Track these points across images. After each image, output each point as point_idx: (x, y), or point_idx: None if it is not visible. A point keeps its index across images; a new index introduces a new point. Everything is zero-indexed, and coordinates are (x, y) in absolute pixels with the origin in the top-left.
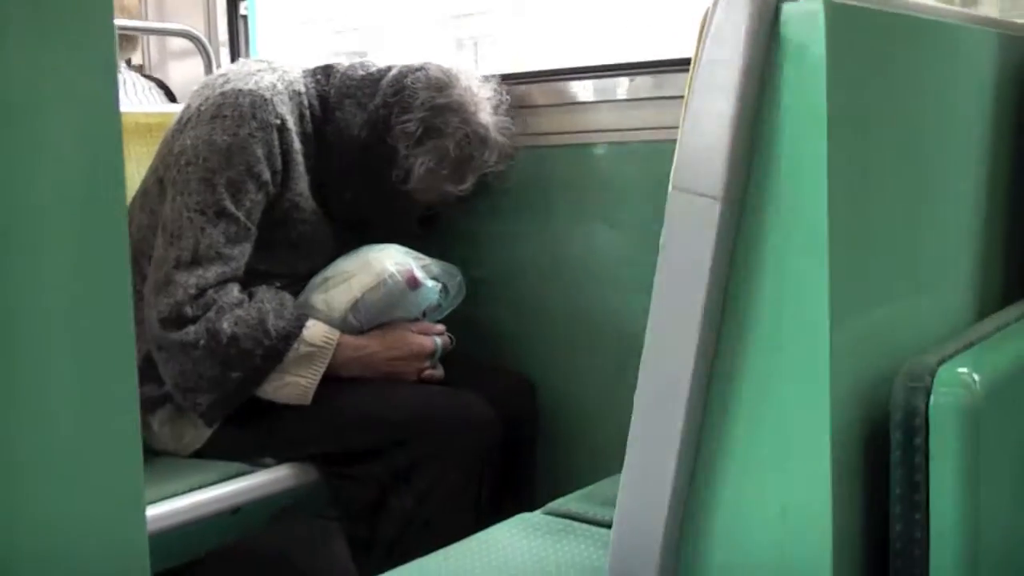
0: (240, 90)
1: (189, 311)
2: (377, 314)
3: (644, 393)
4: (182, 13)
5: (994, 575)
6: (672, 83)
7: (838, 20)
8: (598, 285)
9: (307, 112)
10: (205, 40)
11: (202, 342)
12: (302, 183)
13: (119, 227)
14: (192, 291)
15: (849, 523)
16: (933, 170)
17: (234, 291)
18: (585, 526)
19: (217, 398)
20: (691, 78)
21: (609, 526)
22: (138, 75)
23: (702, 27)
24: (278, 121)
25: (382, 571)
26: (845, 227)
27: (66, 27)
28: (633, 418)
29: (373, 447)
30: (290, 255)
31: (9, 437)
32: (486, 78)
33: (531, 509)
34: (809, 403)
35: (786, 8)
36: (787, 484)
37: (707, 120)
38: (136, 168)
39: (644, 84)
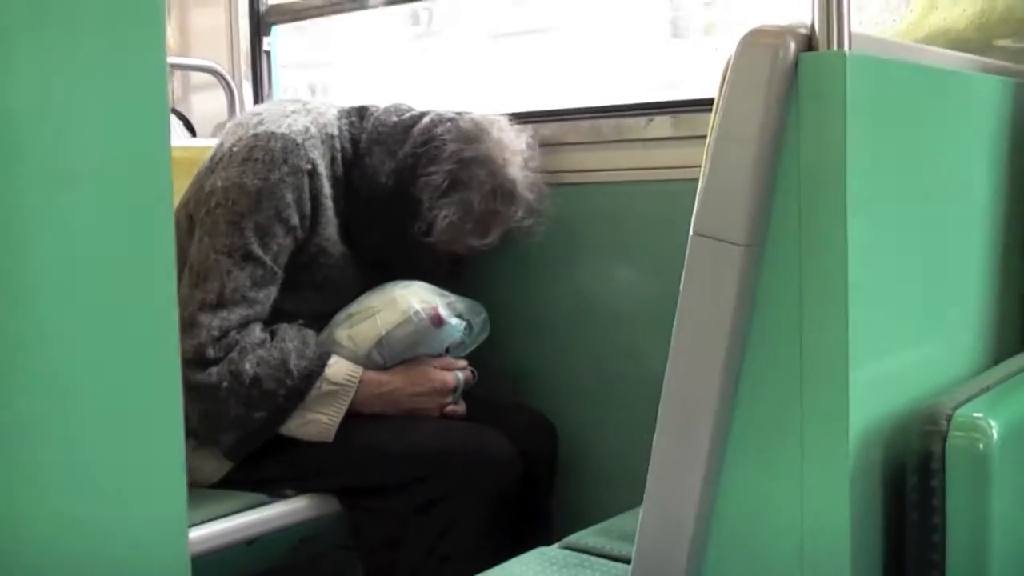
0: (273, 133)
1: (211, 352)
2: (402, 351)
3: (664, 431)
4: (204, 47)
5: None
6: (690, 123)
7: (857, 70)
8: (617, 323)
9: (339, 156)
10: (228, 76)
11: (225, 383)
12: (331, 228)
13: (167, 264)
14: (216, 333)
15: (866, 562)
16: (950, 216)
17: (256, 331)
18: (602, 560)
19: (240, 437)
20: (712, 124)
21: (625, 560)
22: None
23: (724, 74)
24: (309, 166)
25: None
26: (864, 272)
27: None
28: (652, 455)
29: (394, 482)
30: (315, 296)
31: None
32: (521, 129)
33: (548, 543)
34: (828, 445)
35: (805, 58)
36: (805, 521)
37: (728, 167)
38: None
39: (663, 124)
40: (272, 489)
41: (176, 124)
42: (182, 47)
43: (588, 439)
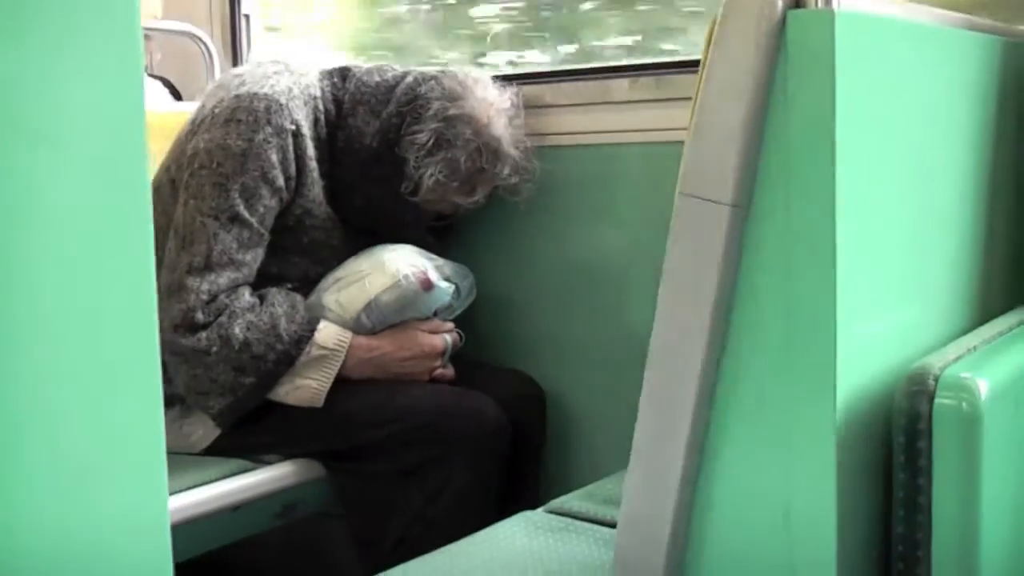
0: (255, 94)
1: (201, 317)
2: (390, 315)
3: (650, 394)
4: (183, 11)
5: None
6: (675, 85)
7: (845, 27)
8: (604, 285)
9: (322, 117)
10: (207, 40)
11: (214, 348)
12: (316, 189)
13: (145, 230)
14: (204, 297)
15: (852, 524)
16: (937, 176)
17: (245, 295)
18: (586, 524)
19: (230, 402)
20: (699, 84)
21: (610, 524)
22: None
23: (710, 34)
24: (293, 127)
25: (385, 569)
26: (852, 232)
27: (92, 26)
28: (639, 419)
29: (382, 445)
30: (302, 260)
31: (30, 432)
32: (504, 87)
33: (533, 506)
34: (814, 406)
35: (793, 15)
36: (791, 485)
37: (715, 126)
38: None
39: (647, 85)
40: (261, 455)
41: (161, 90)
42: (165, 11)
43: (574, 402)
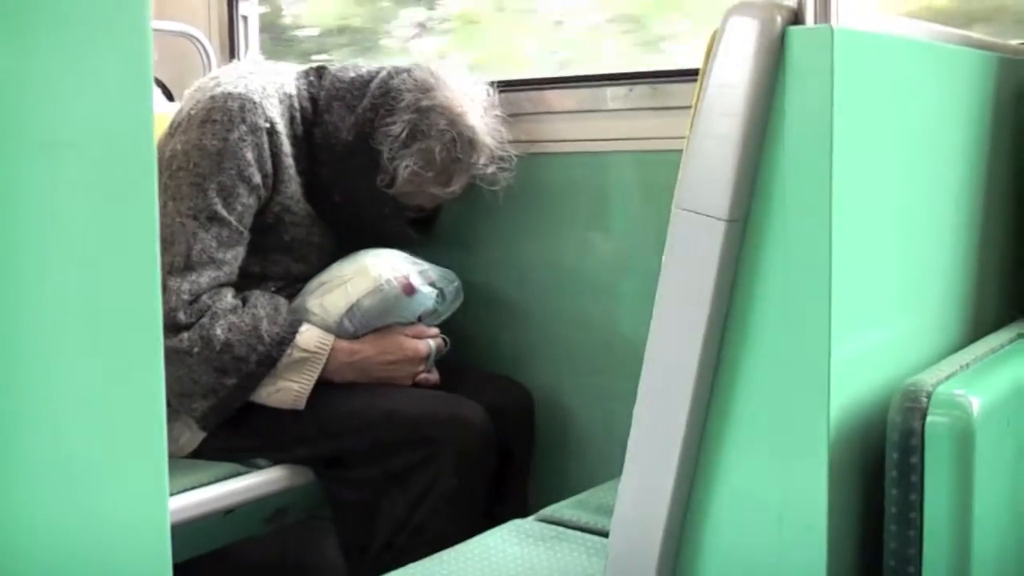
0: (229, 93)
1: (183, 317)
2: (372, 319)
3: (645, 404)
4: (180, 11)
5: None
6: (670, 94)
7: (843, 44)
8: (594, 293)
9: (298, 114)
10: (204, 40)
11: (196, 349)
12: (293, 186)
13: (151, 232)
14: (186, 297)
15: (845, 537)
16: (933, 192)
17: (228, 296)
18: (578, 533)
19: (212, 404)
20: (697, 98)
21: (601, 533)
22: None
23: (709, 47)
24: (267, 124)
25: (374, 574)
26: (848, 248)
27: (100, 30)
28: (633, 428)
29: (366, 450)
30: (284, 258)
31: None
32: (477, 80)
33: (524, 515)
34: (808, 419)
35: (792, 32)
36: (785, 498)
37: (713, 141)
38: None
39: (643, 94)
40: (246, 459)
41: (155, 91)
42: (158, 11)
43: (565, 410)
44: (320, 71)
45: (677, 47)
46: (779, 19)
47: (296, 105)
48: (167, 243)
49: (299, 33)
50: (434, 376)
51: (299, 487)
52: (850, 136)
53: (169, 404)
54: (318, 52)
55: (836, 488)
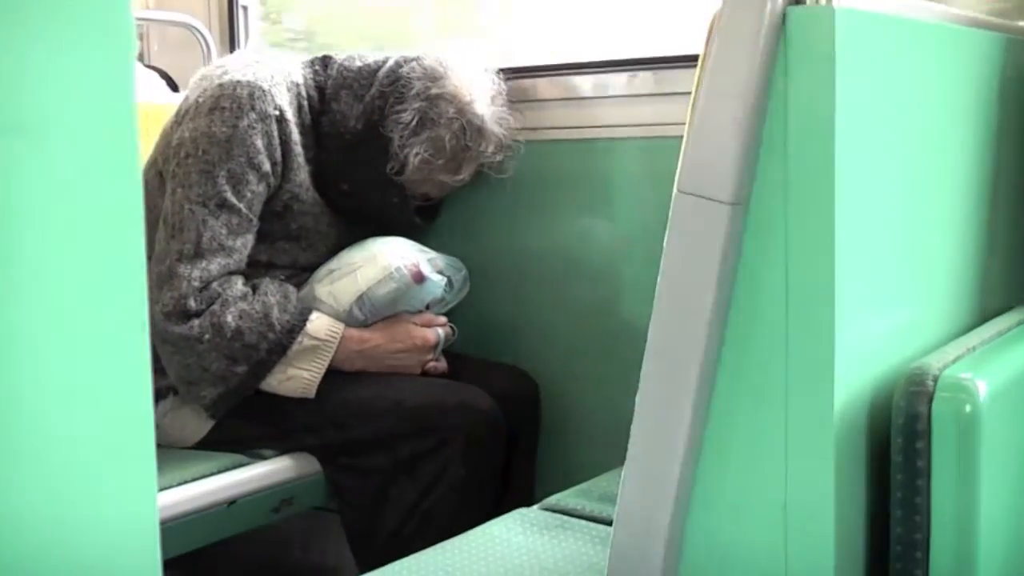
0: (238, 81)
1: (193, 305)
2: (382, 308)
3: (647, 391)
4: (182, 3)
5: None
6: (673, 80)
7: (845, 24)
8: (600, 281)
9: (305, 103)
10: (204, 30)
11: (207, 336)
12: (302, 174)
13: (136, 218)
14: (196, 284)
15: (850, 523)
16: (938, 174)
17: (238, 284)
18: (582, 522)
19: (222, 392)
20: (698, 80)
21: (605, 522)
22: (138, 64)
23: (710, 30)
24: (277, 112)
25: (380, 564)
26: (851, 231)
27: (83, 17)
28: (636, 416)
29: (375, 438)
30: (292, 246)
31: (20, 423)
32: (484, 68)
33: (529, 504)
34: (813, 404)
35: (793, 12)
36: (789, 483)
37: (715, 124)
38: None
39: (645, 80)
40: (254, 448)
41: (159, 81)
42: (158, 0)
43: (569, 398)
44: (325, 60)
45: None
46: None
47: (303, 94)
48: (176, 230)
49: None
50: (442, 364)
51: (305, 477)
52: (853, 118)
53: (176, 392)
54: None
55: (842, 474)
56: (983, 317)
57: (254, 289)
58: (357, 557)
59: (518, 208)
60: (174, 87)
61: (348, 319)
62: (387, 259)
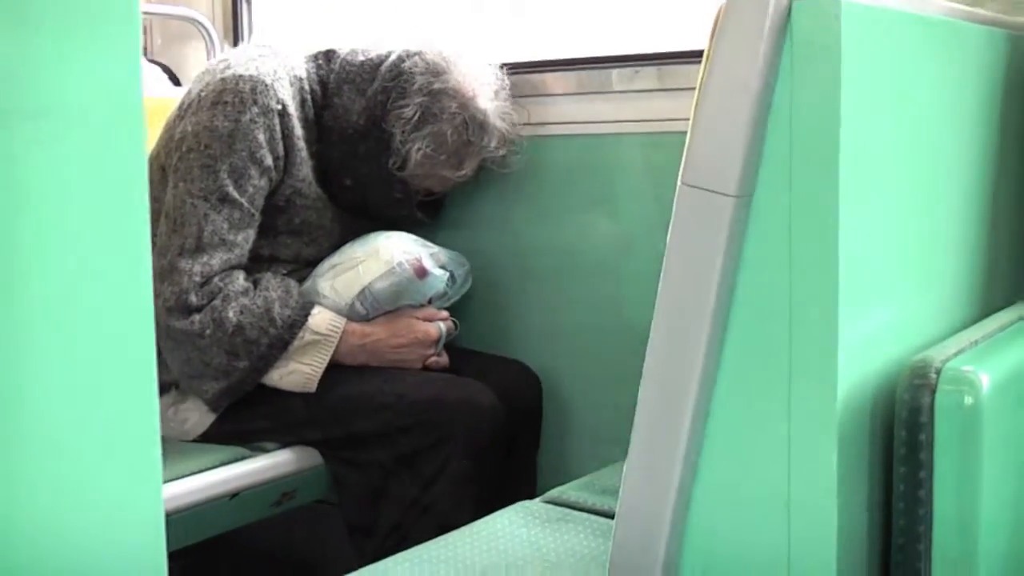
0: (241, 75)
1: (194, 299)
2: (384, 302)
3: (650, 384)
4: None
5: (996, 571)
6: (676, 75)
7: (850, 19)
8: (599, 275)
9: (308, 97)
10: (208, 24)
11: (208, 331)
12: (305, 168)
13: (142, 213)
14: (197, 279)
15: (853, 515)
16: (942, 168)
17: (239, 279)
18: (584, 515)
19: (224, 386)
20: (703, 75)
21: (607, 515)
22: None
23: (715, 24)
24: (279, 106)
25: (381, 557)
26: (855, 224)
27: (90, 11)
28: (638, 409)
29: (377, 432)
30: (294, 241)
31: (26, 417)
32: (488, 63)
33: (531, 497)
34: (817, 397)
35: (798, 6)
36: (792, 476)
37: (719, 117)
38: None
39: (648, 75)
40: (256, 442)
41: (161, 75)
42: None
43: (571, 392)
44: (329, 55)
45: None
46: None
47: (307, 88)
48: (177, 224)
49: None
50: (444, 359)
51: (306, 470)
52: (858, 111)
53: (178, 386)
54: None
55: (844, 466)
56: (986, 311)
57: (255, 284)
58: (358, 550)
59: (521, 203)
60: (176, 81)
61: (350, 313)
62: (389, 253)
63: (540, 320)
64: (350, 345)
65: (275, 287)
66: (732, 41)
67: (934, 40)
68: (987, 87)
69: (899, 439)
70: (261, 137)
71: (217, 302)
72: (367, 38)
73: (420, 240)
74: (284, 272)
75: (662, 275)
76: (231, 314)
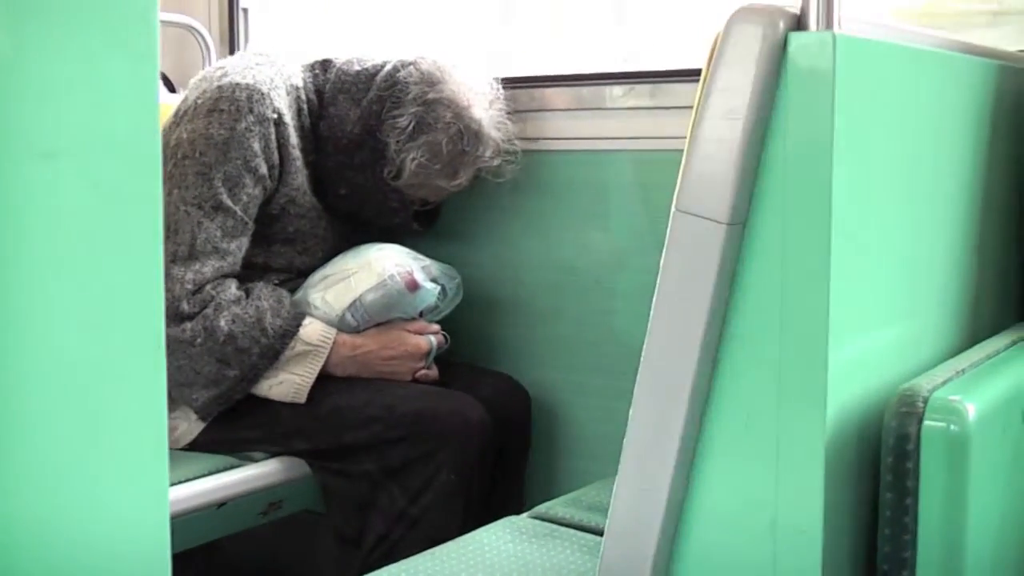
0: (237, 84)
1: (186, 307)
2: (375, 314)
3: (641, 404)
4: (181, 3)
5: None
6: (670, 94)
7: (845, 50)
8: (591, 291)
9: (304, 107)
10: (204, 32)
11: (199, 339)
12: (299, 178)
13: (155, 224)
14: (189, 286)
15: (839, 541)
16: (932, 197)
17: (232, 288)
18: (571, 531)
19: (214, 395)
20: (698, 101)
21: (595, 531)
22: None
23: (712, 50)
24: (275, 115)
25: (368, 569)
26: (847, 253)
27: (108, 19)
28: (629, 428)
29: (366, 444)
30: (288, 250)
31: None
32: (482, 73)
33: (518, 511)
34: (805, 422)
35: (794, 37)
36: (779, 499)
37: (713, 145)
38: None
39: (642, 93)
40: (244, 451)
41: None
42: (162, 2)
43: (560, 407)
44: (325, 64)
45: None
46: (781, 24)
47: (303, 97)
48: (170, 231)
49: None
50: (434, 372)
51: (294, 480)
52: (850, 141)
53: (169, 394)
54: None
55: (831, 492)
56: (974, 338)
57: (247, 293)
58: (345, 561)
59: (514, 217)
60: (172, 88)
61: (341, 325)
62: (381, 266)
63: (530, 334)
64: (341, 356)
65: (267, 297)
66: (728, 69)
67: (926, 72)
68: (977, 117)
69: (886, 465)
70: (256, 146)
71: (209, 310)
72: (363, 47)
73: (412, 253)
74: (277, 281)
75: (655, 298)
76: (223, 323)
